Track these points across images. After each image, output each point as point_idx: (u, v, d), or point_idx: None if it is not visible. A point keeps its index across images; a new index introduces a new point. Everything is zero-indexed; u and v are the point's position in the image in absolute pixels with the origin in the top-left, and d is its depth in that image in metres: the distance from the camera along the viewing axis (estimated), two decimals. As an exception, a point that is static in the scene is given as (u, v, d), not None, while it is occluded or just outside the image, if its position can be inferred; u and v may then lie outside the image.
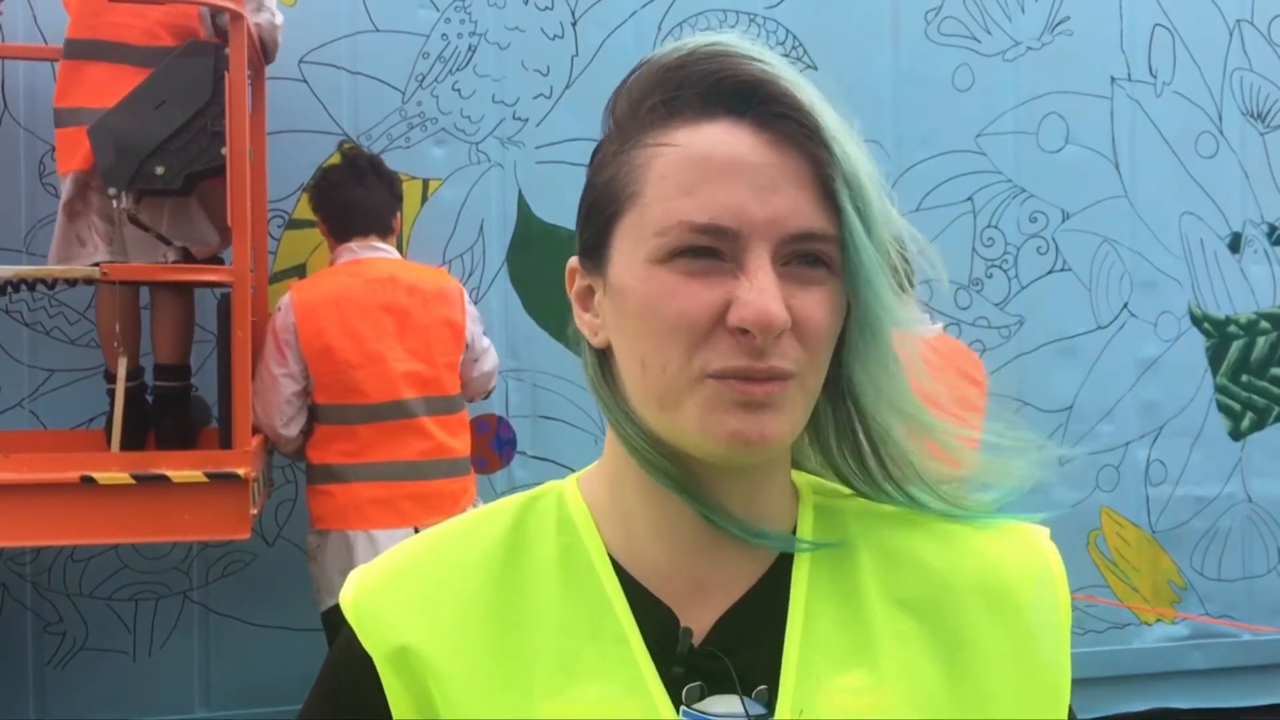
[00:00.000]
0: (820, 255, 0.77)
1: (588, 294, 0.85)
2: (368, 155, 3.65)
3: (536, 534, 0.85)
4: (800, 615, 0.81)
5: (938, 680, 0.80)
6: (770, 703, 0.80)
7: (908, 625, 0.82)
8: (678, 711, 0.79)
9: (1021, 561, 0.86)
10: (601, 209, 0.81)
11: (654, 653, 0.80)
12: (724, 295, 0.75)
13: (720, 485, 0.81)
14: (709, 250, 0.76)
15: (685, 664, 0.80)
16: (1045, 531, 0.90)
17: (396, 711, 0.80)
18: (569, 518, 0.86)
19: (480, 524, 0.87)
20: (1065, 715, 0.83)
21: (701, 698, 0.80)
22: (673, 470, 0.80)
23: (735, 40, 0.79)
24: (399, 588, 0.84)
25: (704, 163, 0.76)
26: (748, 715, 0.79)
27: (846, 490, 0.88)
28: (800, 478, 0.90)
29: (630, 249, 0.78)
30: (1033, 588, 0.85)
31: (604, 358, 0.84)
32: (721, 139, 0.77)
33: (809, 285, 0.77)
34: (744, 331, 0.74)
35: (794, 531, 0.86)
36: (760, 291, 0.74)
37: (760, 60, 0.78)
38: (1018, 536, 0.88)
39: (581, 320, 0.85)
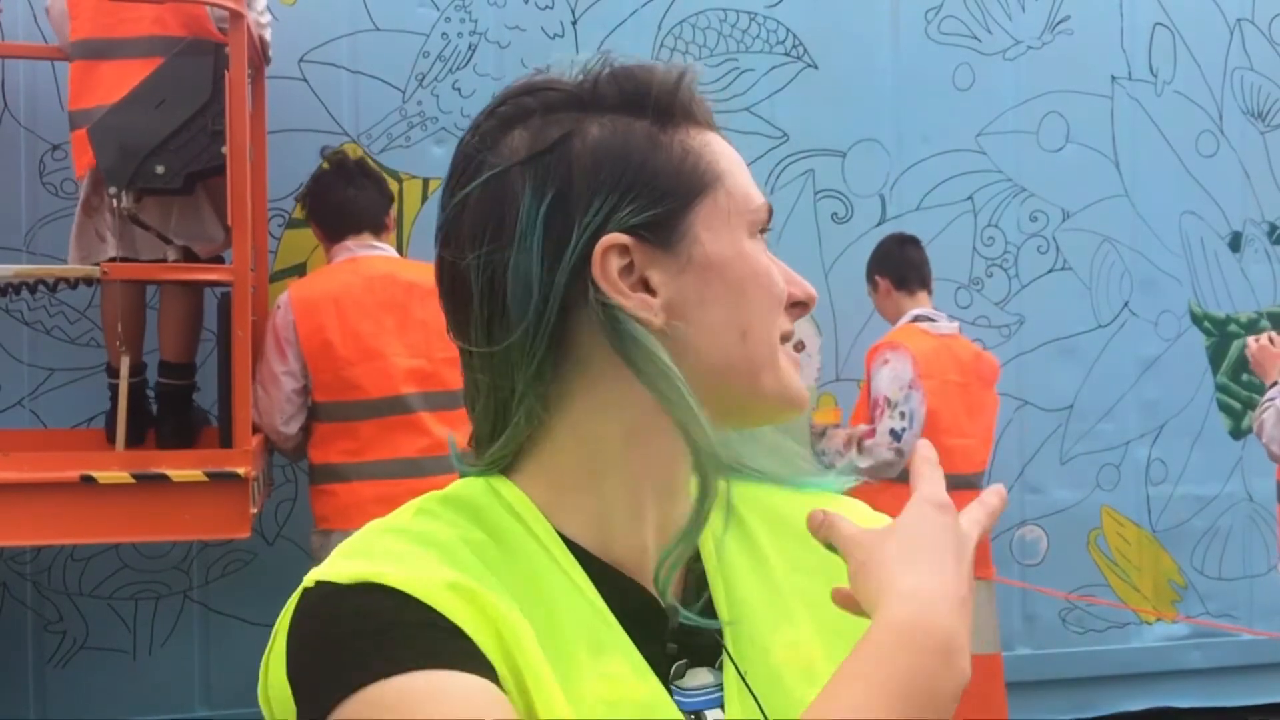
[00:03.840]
0: None
1: (629, 272, 0.81)
2: (354, 158, 3.67)
3: (495, 521, 0.82)
4: (721, 584, 0.86)
5: (836, 626, 0.84)
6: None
7: (802, 581, 0.88)
8: (669, 690, 0.81)
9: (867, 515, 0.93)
10: (680, 185, 0.83)
11: (636, 633, 0.81)
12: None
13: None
14: None
15: (677, 640, 0.83)
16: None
17: (479, 639, 0.72)
18: (512, 509, 0.83)
19: (435, 515, 0.82)
20: None
21: (683, 674, 0.83)
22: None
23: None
24: (419, 562, 0.75)
25: (738, 159, 0.88)
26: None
27: None
28: None
29: (723, 224, 0.84)
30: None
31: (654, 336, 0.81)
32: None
33: None
34: (799, 305, 0.87)
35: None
36: (799, 274, 0.88)
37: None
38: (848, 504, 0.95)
39: (629, 299, 0.80)
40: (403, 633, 0.71)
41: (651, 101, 0.84)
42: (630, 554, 0.83)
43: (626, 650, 0.80)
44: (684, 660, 0.83)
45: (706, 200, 0.83)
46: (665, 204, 0.82)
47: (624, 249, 0.80)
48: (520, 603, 0.76)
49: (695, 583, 0.86)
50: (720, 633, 0.84)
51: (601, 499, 0.83)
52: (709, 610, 0.85)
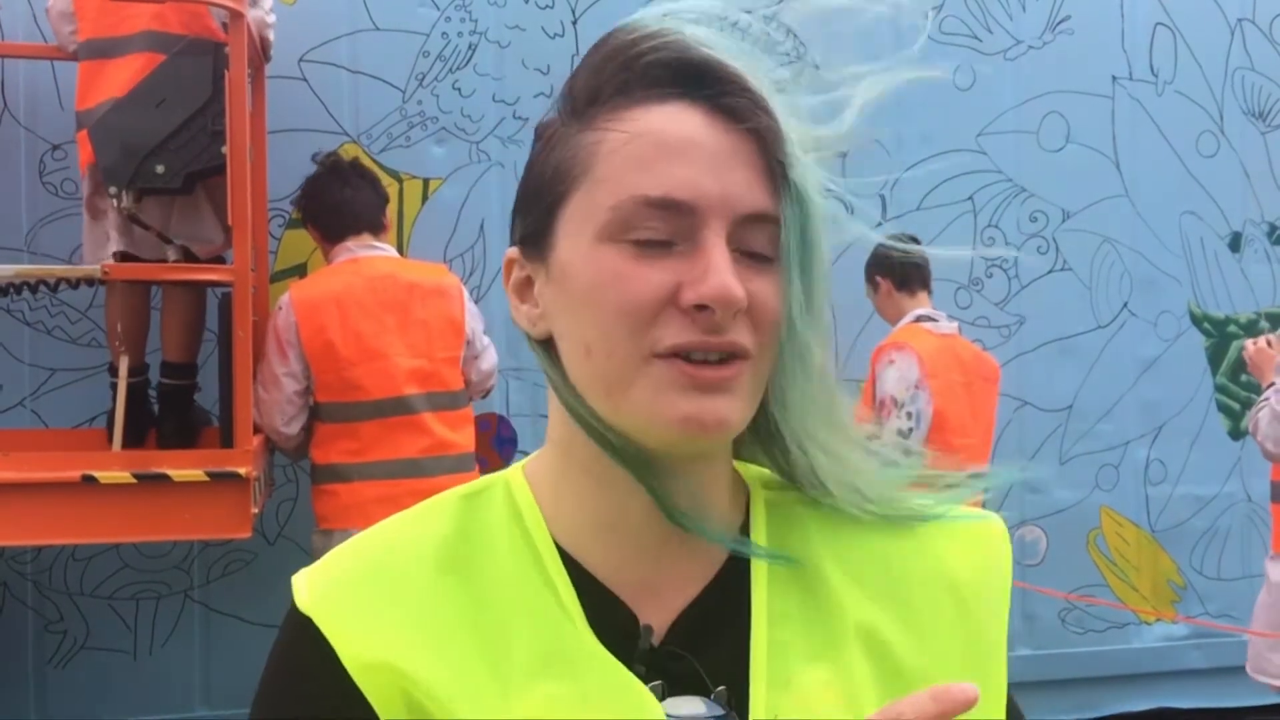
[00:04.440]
0: (768, 241, 0.76)
1: (526, 285, 0.82)
2: (347, 159, 3.68)
3: (488, 530, 0.82)
4: (764, 617, 0.80)
5: (899, 666, 0.80)
6: (731, 704, 0.78)
7: (871, 614, 0.81)
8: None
9: (972, 552, 0.86)
10: (548, 191, 0.79)
11: (612, 650, 0.77)
12: (673, 277, 0.74)
13: (665, 477, 0.79)
14: (660, 241, 0.75)
15: (647, 663, 0.78)
16: (997, 519, 0.89)
17: (385, 713, 0.76)
18: (518, 512, 0.83)
19: (426, 522, 0.84)
20: (1005, 687, 0.84)
21: (662, 698, 0.77)
22: (630, 453, 0.78)
23: (687, 24, 0.79)
24: (362, 596, 0.80)
25: (658, 140, 0.75)
26: (721, 716, 0.77)
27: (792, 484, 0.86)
28: (745, 469, 0.87)
29: (578, 229, 0.77)
30: (982, 577, 0.85)
31: (547, 348, 0.82)
32: (675, 118, 0.76)
33: (759, 272, 0.76)
34: (699, 309, 0.73)
35: (745, 528, 0.84)
36: (717, 269, 0.73)
37: (709, 45, 0.78)
38: (969, 530, 0.87)
39: (518, 312, 0.83)
40: (301, 706, 0.79)
41: (574, 93, 0.80)
42: (609, 565, 0.80)
43: (591, 668, 0.76)
44: (658, 683, 0.77)
45: (573, 200, 0.77)
46: (536, 211, 0.80)
47: (520, 263, 0.83)
48: (475, 619, 0.78)
49: (708, 610, 0.81)
50: (705, 663, 0.78)
51: (579, 503, 0.82)
52: (731, 635, 0.80)
